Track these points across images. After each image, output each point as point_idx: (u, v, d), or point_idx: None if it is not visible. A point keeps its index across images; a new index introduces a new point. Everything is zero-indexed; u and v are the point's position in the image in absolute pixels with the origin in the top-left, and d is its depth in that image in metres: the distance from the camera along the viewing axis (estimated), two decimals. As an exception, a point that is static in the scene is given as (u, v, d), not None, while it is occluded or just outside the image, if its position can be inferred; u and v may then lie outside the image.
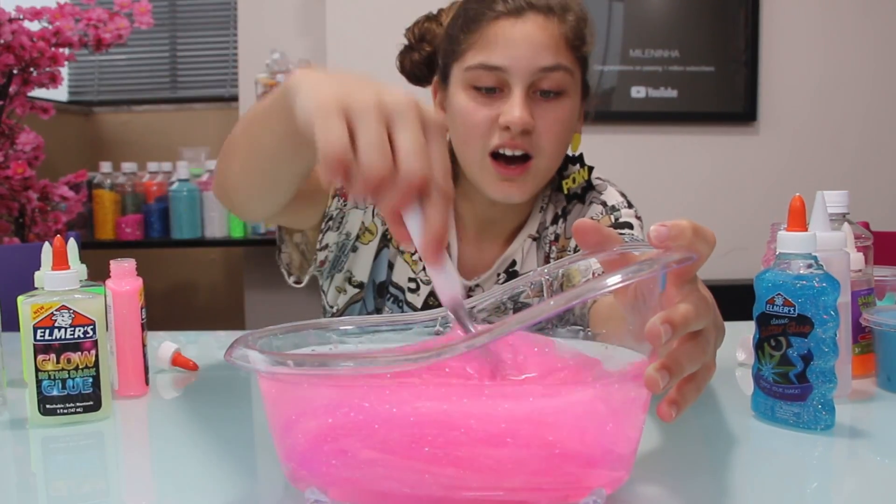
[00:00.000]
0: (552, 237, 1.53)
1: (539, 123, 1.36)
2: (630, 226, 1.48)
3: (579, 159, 1.55)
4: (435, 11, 1.59)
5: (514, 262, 1.53)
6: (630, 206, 1.53)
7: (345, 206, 1.40)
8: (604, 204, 1.52)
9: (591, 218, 1.48)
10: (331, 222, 1.45)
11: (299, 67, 3.75)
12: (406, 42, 1.58)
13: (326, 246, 1.47)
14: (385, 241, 1.52)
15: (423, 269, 1.51)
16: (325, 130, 0.73)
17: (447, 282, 0.76)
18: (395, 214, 0.76)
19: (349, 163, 0.73)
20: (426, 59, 1.54)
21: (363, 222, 1.49)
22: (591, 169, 1.55)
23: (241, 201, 1.28)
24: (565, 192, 1.53)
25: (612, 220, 1.49)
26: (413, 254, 1.51)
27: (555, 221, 1.54)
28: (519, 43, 1.34)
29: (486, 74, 1.35)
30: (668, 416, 0.73)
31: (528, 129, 1.34)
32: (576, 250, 1.47)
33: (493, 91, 1.36)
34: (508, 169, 1.37)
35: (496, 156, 1.37)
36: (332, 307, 1.59)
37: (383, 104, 0.74)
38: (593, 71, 1.48)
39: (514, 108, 1.33)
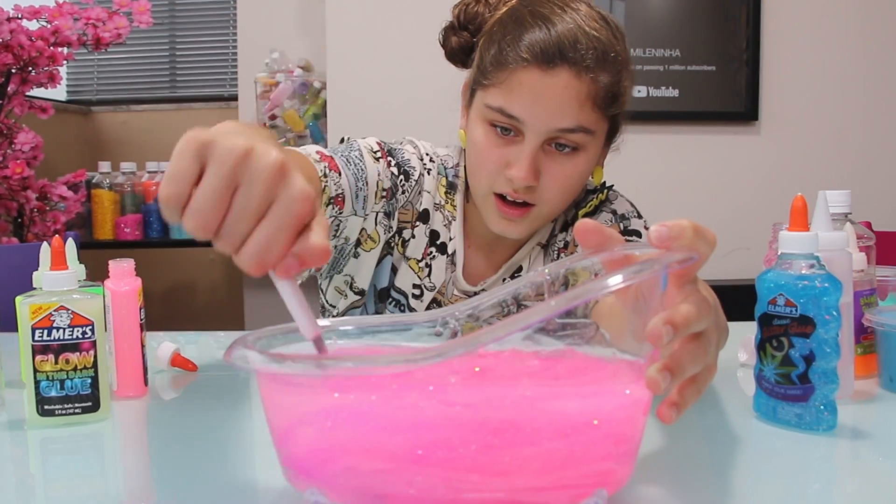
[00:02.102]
0: (561, 244, 1.53)
1: (546, 177, 1.33)
2: (639, 234, 1.48)
3: (600, 188, 1.54)
4: None
5: (520, 268, 1.53)
6: (640, 216, 1.53)
7: (340, 213, 1.39)
8: (613, 213, 1.52)
9: None
10: None
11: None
12: (451, 19, 1.50)
13: None
14: (388, 248, 1.52)
15: (429, 275, 1.51)
16: (173, 164, 0.69)
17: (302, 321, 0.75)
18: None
19: (180, 199, 0.69)
20: (466, 47, 1.48)
21: (364, 229, 1.47)
22: (609, 187, 1.56)
23: None
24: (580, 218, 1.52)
25: (621, 227, 1.49)
26: (419, 261, 1.51)
27: (564, 229, 1.54)
28: (541, 99, 1.28)
29: (503, 118, 1.31)
30: (668, 417, 0.72)
31: (532, 185, 1.33)
32: None
33: (508, 132, 1.33)
34: (510, 209, 1.36)
35: (500, 194, 1.37)
36: (332, 306, 1.59)
37: (245, 160, 0.68)
38: (627, 113, 1.42)
39: (520, 165, 1.30)
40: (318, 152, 1.37)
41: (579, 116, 1.29)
